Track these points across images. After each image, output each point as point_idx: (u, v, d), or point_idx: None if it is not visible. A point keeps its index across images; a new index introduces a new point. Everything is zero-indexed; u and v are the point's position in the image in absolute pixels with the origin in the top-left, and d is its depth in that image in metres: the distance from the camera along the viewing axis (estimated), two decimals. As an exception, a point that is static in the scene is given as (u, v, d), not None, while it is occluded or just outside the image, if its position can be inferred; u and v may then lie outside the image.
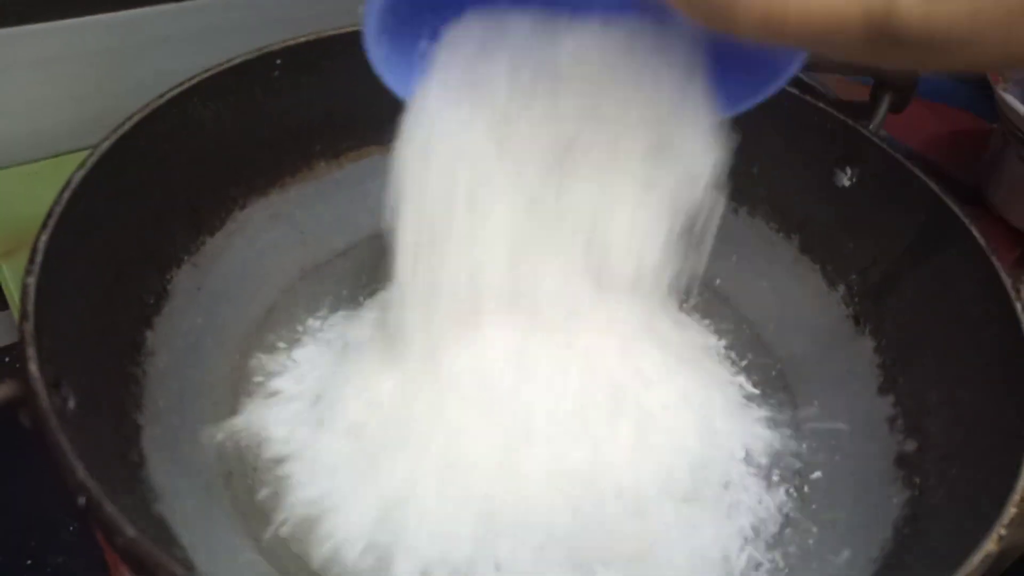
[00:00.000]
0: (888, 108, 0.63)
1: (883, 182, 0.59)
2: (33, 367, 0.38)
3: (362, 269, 0.62)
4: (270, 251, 0.61)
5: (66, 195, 0.46)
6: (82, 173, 0.47)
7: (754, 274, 0.65)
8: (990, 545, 0.37)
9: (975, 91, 0.92)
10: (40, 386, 0.38)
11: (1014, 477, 0.40)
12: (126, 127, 0.51)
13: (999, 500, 0.39)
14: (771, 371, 0.60)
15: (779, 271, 0.64)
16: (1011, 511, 0.38)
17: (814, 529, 0.51)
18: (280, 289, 0.60)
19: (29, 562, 0.59)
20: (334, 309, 0.59)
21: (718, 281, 0.65)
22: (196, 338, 0.54)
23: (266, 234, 0.60)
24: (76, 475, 0.35)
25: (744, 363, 0.60)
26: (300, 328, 0.58)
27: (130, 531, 0.33)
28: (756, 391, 0.59)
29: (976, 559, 0.36)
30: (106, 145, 0.49)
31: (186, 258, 0.56)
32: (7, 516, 0.59)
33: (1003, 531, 0.37)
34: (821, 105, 0.61)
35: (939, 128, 0.93)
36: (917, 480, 0.49)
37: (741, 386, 0.58)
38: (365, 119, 0.65)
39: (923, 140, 0.89)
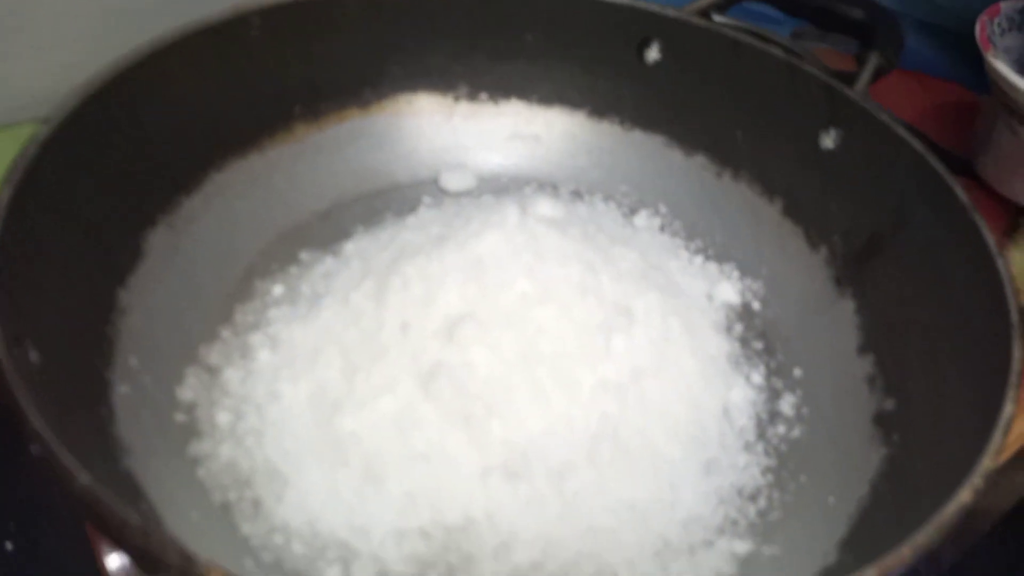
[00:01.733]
0: (874, 71, 0.62)
1: (867, 144, 0.58)
2: (-5, 320, 0.38)
3: (342, 232, 0.62)
4: (248, 214, 0.60)
5: (31, 150, 0.45)
6: (48, 130, 0.47)
7: (738, 237, 0.65)
8: (965, 496, 0.36)
9: (964, 61, 0.91)
10: (2, 344, 0.38)
11: (990, 429, 0.39)
12: (96, 85, 0.50)
13: (975, 452, 0.38)
14: (752, 331, 0.60)
15: (762, 234, 0.64)
16: (986, 463, 0.37)
17: (791, 487, 0.51)
18: (258, 251, 0.60)
19: (9, 544, 0.58)
20: (311, 267, 0.59)
21: (700, 243, 0.65)
22: (172, 298, 0.54)
23: (244, 196, 0.60)
24: (31, 422, 0.34)
25: (726, 324, 0.60)
26: (278, 289, 0.57)
27: (84, 478, 0.33)
28: (738, 351, 0.58)
29: (950, 510, 0.35)
30: (74, 102, 0.49)
31: (161, 218, 0.55)
32: None
33: (979, 482, 0.36)
34: (806, 67, 0.61)
35: (927, 100, 0.92)
36: (895, 437, 0.49)
37: (722, 345, 0.58)
38: (345, 81, 0.64)
39: (911, 112, 0.88)
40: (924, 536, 0.36)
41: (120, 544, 0.33)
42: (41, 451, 0.34)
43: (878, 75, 0.63)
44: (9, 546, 0.56)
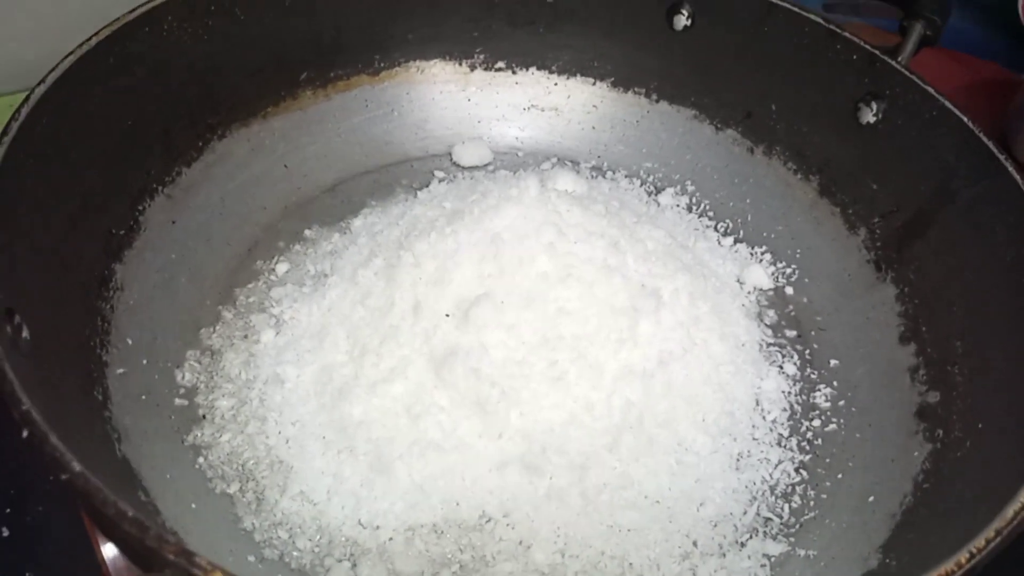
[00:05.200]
0: (918, 42, 0.58)
1: (911, 117, 0.55)
2: (-24, 292, 0.35)
3: (349, 208, 0.59)
4: (251, 185, 0.57)
5: (24, 111, 0.42)
6: (42, 89, 0.44)
7: (770, 218, 0.61)
8: (1026, 497, 0.33)
9: (1006, 41, 0.87)
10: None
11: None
12: (91, 43, 0.47)
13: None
14: (786, 319, 0.56)
15: (796, 214, 0.60)
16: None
17: (827, 484, 0.48)
18: (262, 226, 0.57)
19: (6, 533, 0.56)
20: (317, 244, 0.55)
21: (729, 223, 0.61)
22: (170, 274, 0.51)
23: (247, 167, 0.57)
24: (21, 405, 0.32)
25: (757, 310, 0.57)
26: (282, 267, 0.54)
27: (76, 466, 0.30)
28: (770, 339, 0.55)
29: (1011, 510, 0.32)
30: (69, 62, 0.45)
31: (160, 189, 0.52)
32: None
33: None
34: (846, 34, 0.57)
35: (966, 79, 0.88)
36: (939, 433, 0.46)
37: (753, 332, 0.54)
38: (356, 47, 0.61)
39: (949, 91, 0.84)
40: (983, 539, 0.32)
41: (114, 537, 0.30)
42: (32, 435, 0.31)
43: (922, 46, 0.59)
44: (4, 532, 0.54)
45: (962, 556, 0.31)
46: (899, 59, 0.56)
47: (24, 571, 0.49)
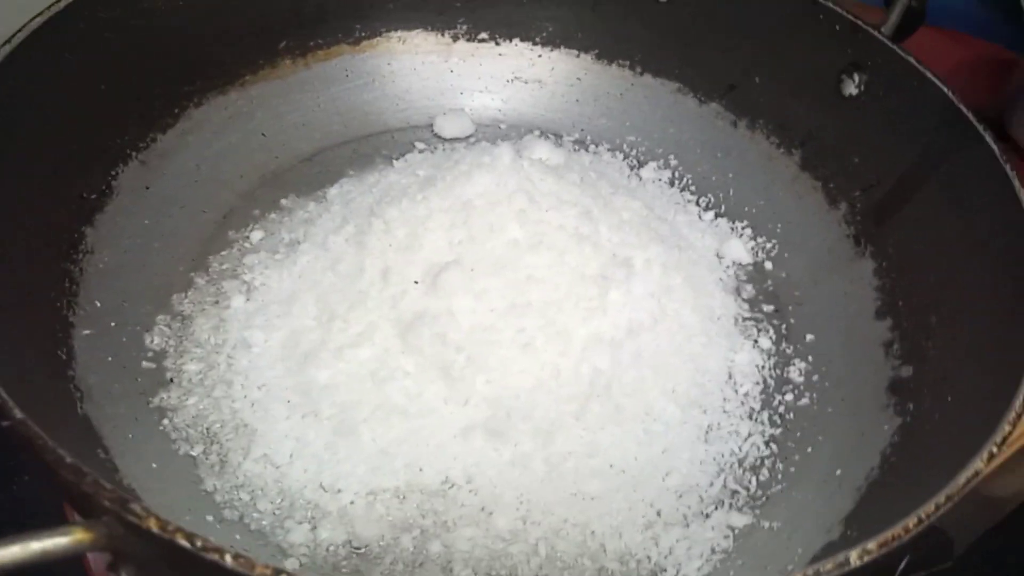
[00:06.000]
0: (903, 12, 0.57)
1: (893, 88, 0.54)
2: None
3: (327, 178, 0.58)
4: (228, 153, 0.57)
5: (-12, 70, 0.42)
6: (8, 49, 0.44)
7: (751, 192, 0.60)
8: (979, 463, 0.32)
9: (1002, 19, 0.85)
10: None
11: (1012, 394, 0.35)
12: (61, 5, 0.47)
13: (994, 417, 0.35)
14: (764, 293, 0.56)
15: (778, 188, 0.60)
16: (1006, 428, 0.34)
17: (796, 458, 0.47)
18: (238, 194, 0.56)
19: None
20: (292, 213, 0.55)
21: (711, 198, 0.61)
22: (142, 240, 0.51)
23: (224, 135, 0.57)
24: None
25: (735, 284, 0.56)
26: (257, 235, 0.54)
27: (17, 413, 0.30)
28: (746, 313, 0.54)
29: (963, 477, 0.32)
30: (37, 22, 0.45)
31: (134, 155, 0.52)
32: None
33: (995, 449, 0.33)
34: (829, 4, 0.56)
35: (961, 58, 0.86)
36: (910, 406, 0.45)
37: (729, 306, 0.54)
38: (337, 15, 0.60)
39: (943, 70, 0.83)
40: (933, 504, 0.32)
41: (54, 483, 0.30)
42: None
43: (909, 19, 0.58)
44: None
45: (911, 521, 0.30)
46: (882, 29, 0.55)
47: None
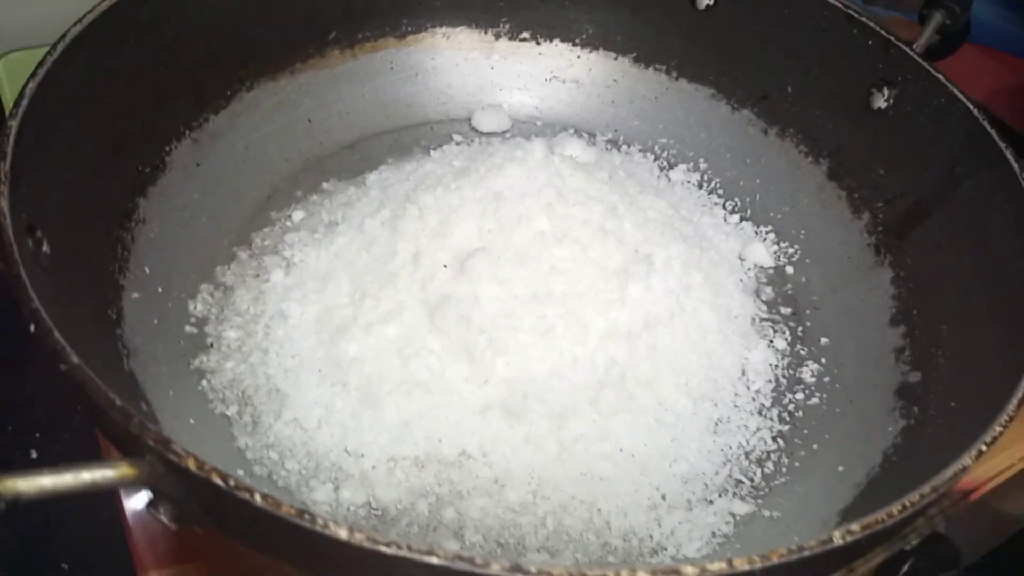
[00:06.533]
0: (936, 28, 0.58)
1: (921, 104, 0.55)
2: (3, 204, 0.38)
3: (367, 165, 0.61)
4: (275, 137, 0.60)
5: (60, 47, 0.45)
6: (78, 29, 0.47)
7: (778, 198, 0.62)
8: (967, 460, 0.34)
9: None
10: (8, 225, 0.38)
11: (1006, 398, 0.37)
12: (128, -8, 0.50)
13: (987, 420, 0.36)
14: (783, 296, 0.57)
15: (803, 196, 0.61)
16: (996, 429, 0.35)
17: (802, 453, 0.49)
18: (282, 176, 0.59)
19: (35, 453, 0.60)
20: (333, 196, 0.58)
21: (738, 202, 0.62)
22: (191, 214, 0.54)
23: (272, 119, 0.60)
24: (31, 303, 0.35)
25: (755, 286, 0.58)
26: (298, 215, 0.57)
27: (74, 359, 0.33)
28: (764, 314, 0.56)
29: (951, 471, 0.33)
30: (106, 5, 0.48)
31: (187, 133, 0.55)
32: (17, 411, 0.61)
33: (984, 447, 0.34)
34: (863, 19, 0.57)
35: (1004, 79, 0.87)
36: (915, 410, 0.47)
37: (747, 306, 0.55)
38: (384, 10, 0.63)
39: (983, 90, 0.83)
40: (918, 494, 0.34)
41: (102, 424, 0.33)
42: (38, 329, 0.34)
43: (949, 38, 0.59)
44: (33, 454, 0.58)
45: (895, 507, 0.32)
46: (914, 46, 0.56)
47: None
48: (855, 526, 0.30)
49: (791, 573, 0.30)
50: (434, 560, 0.28)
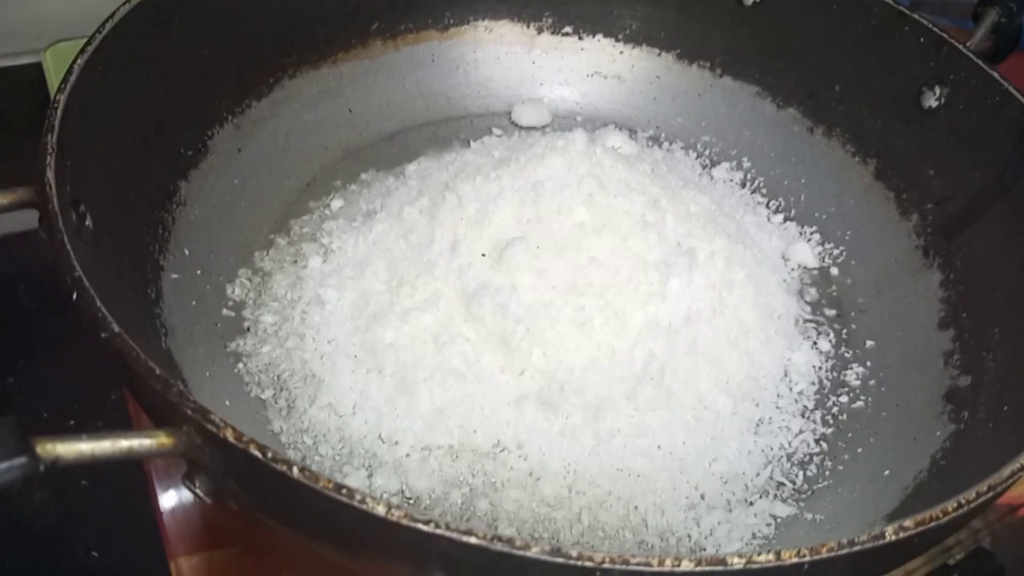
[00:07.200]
0: (991, 26, 0.57)
1: (973, 104, 0.54)
2: (50, 175, 0.38)
3: (406, 156, 0.61)
4: (316, 126, 0.60)
5: (108, 26, 0.46)
6: (127, 8, 0.47)
7: (823, 198, 0.61)
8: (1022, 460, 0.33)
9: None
10: (53, 195, 0.38)
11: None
12: (174, -21, 0.50)
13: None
14: (827, 298, 0.56)
15: (850, 196, 0.60)
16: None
17: (846, 457, 0.48)
18: (322, 165, 0.59)
19: (72, 423, 0.60)
20: (371, 186, 0.58)
21: (782, 201, 0.61)
22: (231, 199, 0.54)
23: (313, 108, 0.60)
24: (74, 272, 0.34)
25: (799, 287, 0.57)
26: (337, 203, 0.57)
27: (115, 327, 0.33)
28: (808, 315, 0.55)
29: (1008, 470, 0.32)
30: (152, -8, 0.49)
31: (229, 119, 0.55)
32: (58, 382, 0.61)
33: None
34: (915, 16, 0.56)
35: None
36: (965, 414, 0.45)
37: (791, 306, 0.54)
38: (429, 2, 0.63)
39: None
40: (972, 493, 0.32)
41: (140, 393, 0.33)
42: (80, 297, 0.34)
43: (996, 43, 0.57)
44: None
45: (950, 504, 0.31)
46: (968, 44, 0.55)
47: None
48: (909, 522, 0.29)
49: (840, 569, 0.29)
50: (472, 540, 0.27)
